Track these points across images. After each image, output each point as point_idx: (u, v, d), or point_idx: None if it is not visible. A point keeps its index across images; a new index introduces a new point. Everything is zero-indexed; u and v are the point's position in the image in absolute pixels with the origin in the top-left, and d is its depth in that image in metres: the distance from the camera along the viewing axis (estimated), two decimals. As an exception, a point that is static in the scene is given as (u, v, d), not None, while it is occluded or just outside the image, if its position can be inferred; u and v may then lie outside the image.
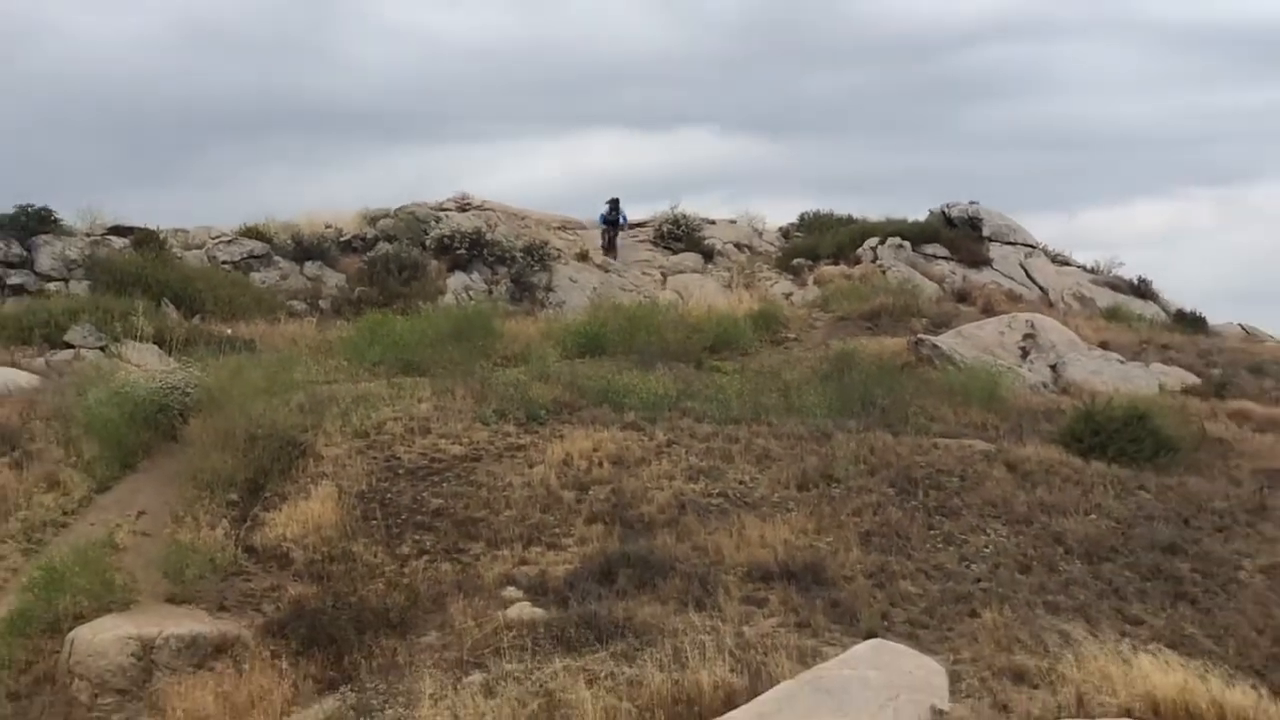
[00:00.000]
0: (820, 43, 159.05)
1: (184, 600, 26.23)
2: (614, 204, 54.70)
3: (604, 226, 54.76)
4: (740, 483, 28.94)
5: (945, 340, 39.57)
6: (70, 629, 25.39)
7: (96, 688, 24.70)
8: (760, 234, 57.52)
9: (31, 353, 37.72)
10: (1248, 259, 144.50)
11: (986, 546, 27.54)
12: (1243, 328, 50.40)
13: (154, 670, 24.71)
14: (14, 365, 36.31)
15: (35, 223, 46.19)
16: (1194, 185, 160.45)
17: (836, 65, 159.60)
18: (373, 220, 52.42)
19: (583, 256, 52.42)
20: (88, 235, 46.85)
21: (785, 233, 58.37)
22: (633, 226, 55.51)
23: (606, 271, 51.63)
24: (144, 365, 36.74)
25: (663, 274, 51.25)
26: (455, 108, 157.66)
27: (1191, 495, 30.51)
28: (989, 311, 44.25)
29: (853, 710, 15.96)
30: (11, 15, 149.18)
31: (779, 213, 58.01)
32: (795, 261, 53.31)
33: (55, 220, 46.75)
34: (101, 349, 38.38)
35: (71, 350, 38.27)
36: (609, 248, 54.12)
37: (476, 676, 22.16)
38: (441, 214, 53.09)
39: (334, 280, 48.25)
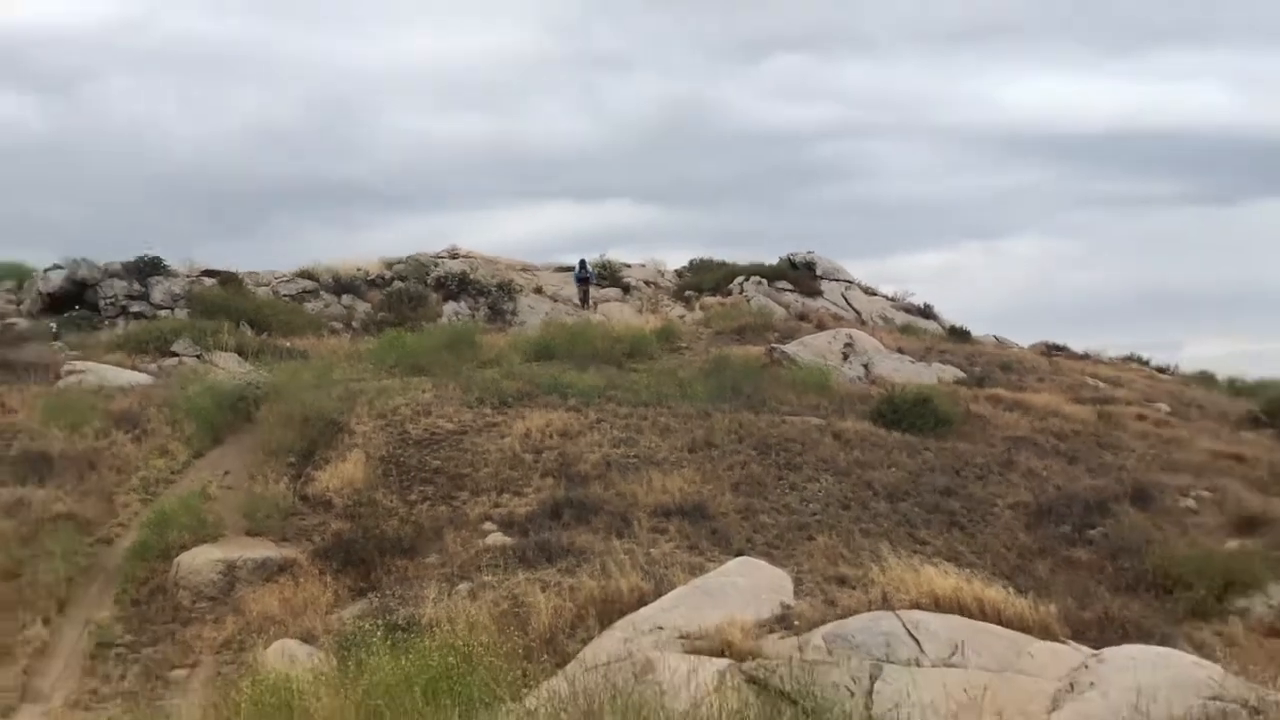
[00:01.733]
0: (704, 138, 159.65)
1: (257, 534, 26.25)
2: (582, 263, 52.24)
3: (578, 285, 51.63)
4: (648, 448, 29.00)
5: (791, 347, 39.68)
6: (176, 555, 25.36)
7: (195, 595, 24.64)
8: (662, 274, 57.30)
9: (147, 360, 37.47)
10: (1000, 289, 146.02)
11: (819, 491, 27.72)
12: (996, 338, 50.77)
13: (235, 583, 24.66)
14: (135, 369, 36.09)
15: (150, 268, 45.85)
16: (965, 239, 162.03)
17: (716, 155, 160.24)
18: (389, 265, 51.98)
19: (537, 290, 52.09)
20: (187, 276, 46.51)
21: (679, 273, 58.10)
22: (588, 272, 52.05)
23: (555, 301, 51.35)
24: (227, 368, 36.58)
25: (594, 302, 51.09)
26: (446, 185, 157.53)
27: (960, 454, 30.82)
28: (821, 327, 44.27)
29: (727, 606, 15.94)
30: (132, 118, 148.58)
31: (675, 259, 57.90)
32: (686, 293, 53.15)
33: (164, 266, 46.39)
34: (197, 357, 38.18)
35: (176, 358, 38.05)
36: (584, 301, 51.17)
37: (464, 585, 22.13)
38: (438, 260, 52.72)
39: (362, 308, 47.95)
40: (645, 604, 17.85)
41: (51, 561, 25.37)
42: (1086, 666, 12.16)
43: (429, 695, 9.55)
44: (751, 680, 12.36)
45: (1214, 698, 10.86)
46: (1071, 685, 11.73)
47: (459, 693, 9.73)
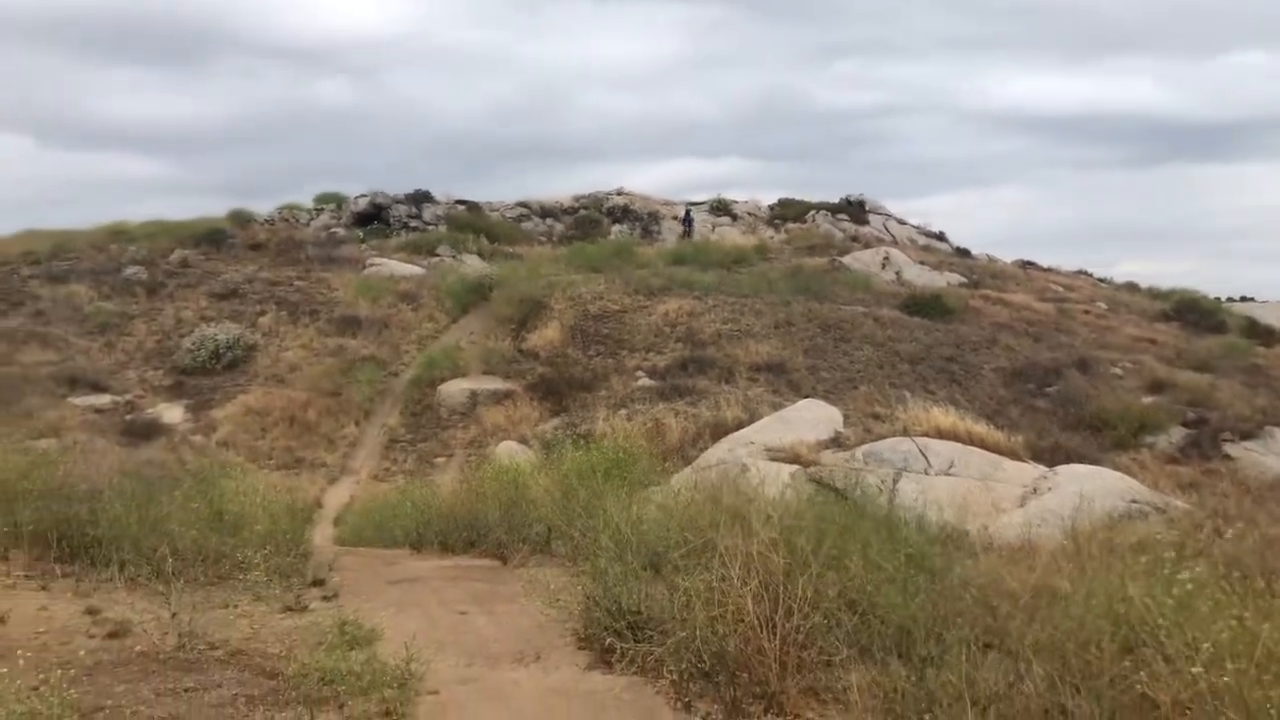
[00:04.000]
0: (788, 116, 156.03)
1: (490, 373, 26.70)
2: (688, 212, 49.67)
3: (685, 224, 48.87)
4: (747, 325, 28.85)
5: (846, 259, 39.01)
6: (438, 385, 25.96)
7: (450, 411, 25.26)
8: (760, 207, 56.05)
9: (420, 258, 38.05)
10: (991, 222, 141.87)
11: (862, 357, 27.41)
12: (988, 256, 49.17)
13: (476, 404, 25.21)
14: (413, 264, 36.72)
15: (422, 197, 46.38)
16: (968, 187, 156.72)
17: (798, 126, 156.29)
18: (576, 199, 51.79)
19: (674, 218, 51.54)
20: (446, 203, 46.89)
21: (771, 207, 56.64)
22: (690, 216, 49.43)
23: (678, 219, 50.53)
24: (472, 265, 37.02)
25: (713, 227, 50.49)
26: (615, 145, 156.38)
27: (960, 334, 30.18)
28: (867, 246, 43.26)
29: (798, 430, 15.88)
30: (413, 97, 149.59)
31: (768, 197, 56.43)
32: (775, 221, 52.12)
33: (431, 196, 46.86)
34: (453, 257, 38.66)
35: (439, 257, 38.57)
36: (688, 234, 47.86)
37: (623, 411, 22.41)
38: (609, 196, 52.34)
39: (558, 228, 47.97)
40: (742, 427, 17.93)
41: (360, 386, 26.22)
42: (1045, 477, 11.98)
43: (606, 477, 9.74)
44: (812, 479, 12.36)
45: (1133, 501, 10.66)
46: (1034, 489, 11.58)
47: (625, 476, 9.91)
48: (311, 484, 21.71)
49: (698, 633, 5.51)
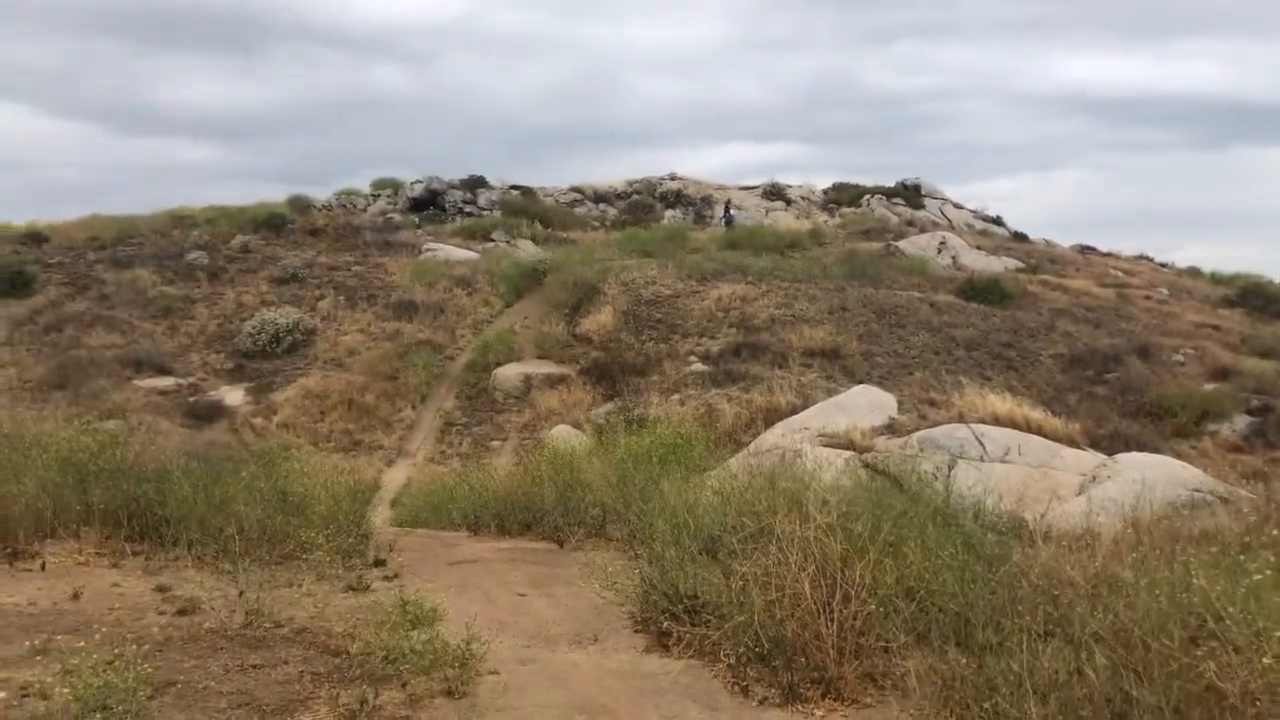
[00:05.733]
0: (843, 99, 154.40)
1: (544, 357, 26.85)
2: (727, 207, 49.03)
3: (726, 217, 46.24)
4: (801, 310, 28.69)
5: (902, 244, 38.51)
6: (493, 369, 26.14)
7: (505, 395, 25.44)
8: (813, 192, 55.37)
9: (475, 243, 38.21)
10: (1049, 206, 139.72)
11: (918, 342, 27.14)
12: (1046, 240, 48.29)
13: (530, 388, 25.36)
14: (468, 249, 36.90)
15: (477, 183, 46.57)
16: (1025, 170, 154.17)
17: (852, 110, 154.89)
18: (629, 184, 51.67)
19: (728, 202, 51.14)
20: (500, 189, 47.02)
21: (825, 192, 56.05)
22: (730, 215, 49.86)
23: (740, 209, 50.12)
24: (526, 250, 37.14)
25: (766, 211, 50.10)
26: (666, 130, 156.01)
27: (1018, 320, 29.75)
28: (923, 231, 42.69)
29: (852, 416, 15.77)
30: (466, 83, 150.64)
31: (823, 182, 55.86)
32: (829, 205, 51.65)
33: (486, 182, 47.02)
34: (507, 242, 38.79)
35: (493, 242, 38.73)
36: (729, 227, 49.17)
37: (676, 396, 22.43)
38: (662, 181, 52.11)
39: (612, 213, 47.88)
40: (796, 413, 17.87)
41: (416, 370, 26.48)
42: (1104, 465, 11.80)
43: (661, 461, 9.77)
44: (867, 465, 12.27)
45: (1196, 490, 10.47)
46: (1094, 477, 11.41)
47: (680, 461, 9.92)
48: (369, 466, 22.00)
49: (755, 617, 5.53)
